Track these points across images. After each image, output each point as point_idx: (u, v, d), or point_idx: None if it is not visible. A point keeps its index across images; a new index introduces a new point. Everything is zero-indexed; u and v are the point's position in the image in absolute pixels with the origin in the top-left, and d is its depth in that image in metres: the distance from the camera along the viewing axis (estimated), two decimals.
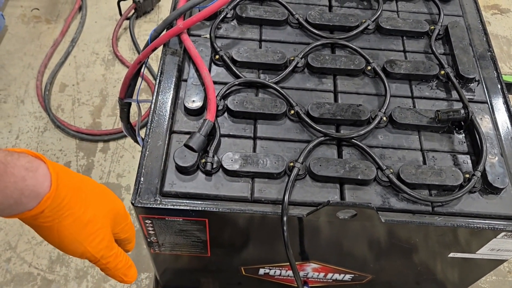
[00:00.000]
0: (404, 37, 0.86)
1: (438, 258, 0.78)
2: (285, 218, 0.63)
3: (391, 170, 0.68)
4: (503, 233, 0.68)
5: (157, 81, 0.76)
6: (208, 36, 0.82)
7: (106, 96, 1.83)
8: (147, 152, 0.68)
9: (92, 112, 1.78)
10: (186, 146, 0.66)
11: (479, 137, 0.71)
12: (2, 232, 1.48)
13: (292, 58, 0.79)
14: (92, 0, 2.15)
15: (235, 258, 0.82)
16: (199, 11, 0.79)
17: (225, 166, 0.66)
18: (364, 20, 0.86)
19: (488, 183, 0.68)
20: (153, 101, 0.74)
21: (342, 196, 0.67)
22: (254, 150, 0.70)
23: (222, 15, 0.84)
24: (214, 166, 0.67)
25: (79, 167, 1.64)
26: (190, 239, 0.73)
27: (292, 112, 0.73)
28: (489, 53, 0.86)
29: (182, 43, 0.79)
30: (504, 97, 0.80)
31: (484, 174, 0.69)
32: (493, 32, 2.19)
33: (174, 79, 0.76)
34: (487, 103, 0.79)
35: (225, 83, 0.75)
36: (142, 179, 0.66)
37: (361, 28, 0.84)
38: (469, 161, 0.72)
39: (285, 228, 0.63)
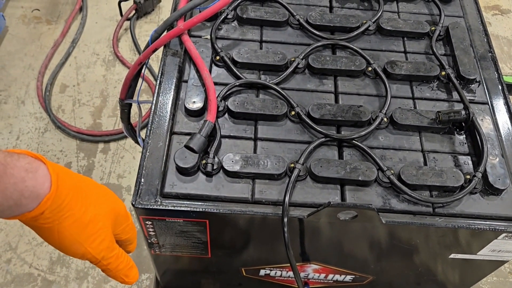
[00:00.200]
0: (405, 38, 0.86)
1: (439, 259, 0.78)
2: (285, 219, 0.63)
3: (392, 171, 0.68)
4: (504, 234, 0.68)
5: (158, 82, 0.76)
6: (208, 37, 0.82)
7: (107, 96, 1.83)
8: (148, 153, 0.68)
9: (92, 112, 1.78)
10: (187, 147, 0.66)
11: (480, 138, 0.71)
12: (3, 233, 1.48)
13: (292, 59, 0.79)
14: (92, 0, 2.15)
15: (236, 259, 0.82)
16: (200, 12, 0.79)
17: (226, 167, 0.66)
18: (364, 21, 0.86)
19: (489, 184, 0.68)
20: (154, 102, 0.74)
21: (342, 197, 0.67)
22: (255, 151, 0.70)
23: (223, 16, 0.84)
24: (215, 167, 0.67)
25: (80, 167, 1.64)
26: (190, 240, 0.73)
27: (293, 113, 0.73)
28: (490, 54, 0.86)
29: (182, 44, 0.79)
30: (505, 98, 0.80)
31: (485, 175, 0.69)
32: (494, 33, 2.19)
33: (174, 80, 0.76)
34: (488, 104, 0.79)
35: (225, 84, 0.75)
36: (142, 180, 0.66)
37: (361, 29, 0.84)
38: (470, 162, 0.72)
39: (285, 229, 0.63)
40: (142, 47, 1.96)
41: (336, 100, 0.77)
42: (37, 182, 0.53)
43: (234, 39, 0.83)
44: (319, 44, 0.82)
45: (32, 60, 1.92)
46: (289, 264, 0.66)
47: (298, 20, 0.85)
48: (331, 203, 0.62)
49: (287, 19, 0.85)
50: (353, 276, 0.85)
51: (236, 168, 0.66)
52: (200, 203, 0.65)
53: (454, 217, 0.67)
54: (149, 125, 0.71)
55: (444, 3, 0.93)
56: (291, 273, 0.85)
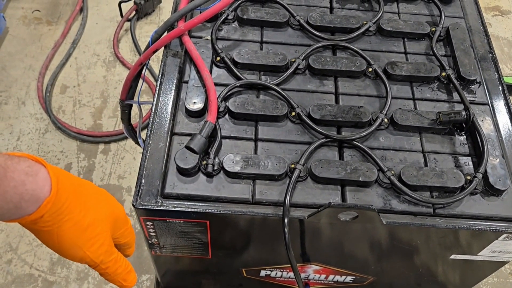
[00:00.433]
0: (405, 39, 0.86)
1: (440, 260, 0.78)
2: (286, 220, 0.63)
3: (393, 172, 0.68)
4: (504, 235, 0.68)
5: (158, 82, 0.76)
6: (209, 37, 0.82)
7: (107, 97, 1.83)
8: (148, 154, 0.68)
9: (93, 113, 1.78)
10: (187, 147, 0.66)
11: (480, 138, 0.71)
12: (3, 233, 1.48)
13: (293, 59, 0.80)
14: (93, 1, 2.15)
15: (236, 260, 0.82)
16: (200, 12, 0.79)
17: (226, 168, 0.66)
18: (365, 22, 0.86)
19: (490, 185, 0.68)
20: (154, 102, 0.74)
21: (343, 198, 0.67)
22: (255, 152, 0.70)
23: (223, 17, 0.84)
24: (215, 168, 0.67)
25: (80, 168, 1.64)
26: (191, 241, 0.73)
27: (293, 113, 0.73)
28: (490, 54, 0.86)
29: (183, 44, 0.79)
30: (505, 99, 0.80)
31: (485, 176, 0.69)
32: (494, 34, 2.19)
33: (175, 81, 0.76)
34: (488, 105, 0.79)
35: (226, 85, 0.75)
36: (143, 180, 0.66)
37: (362, 30, 0.84)
38: (471, 163, 0.72)
39: (286, 230, 0.63)
40: (142, 48, 1.96)
41: (337, 101, 0.77)
42: (37, 186, 0.53)
43: (235, 40, 0.83)
44: (319, 45, 0.82)
45: (32, 61, 1.92)
46: (289, 265, 0.66)
47: (298, 21, 0.85)
48: (332, 203, 0.62)
49: (288, 20, 0.85)
50: (354, 277, 0.85)
51: (237, 168, 0.66)
52: (200, 204, 0.65)
53: (454, 218, 0.67)
54: (150, 126, 0.71)
55: (445, 4, 0.93)
56: (291, 274, 0.85)
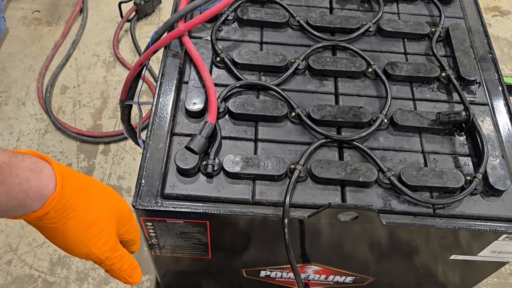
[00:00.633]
0: (405, 39, 0.86)
1: (440, 260, 0.78)
2: (286, 221, 0.63)
3: (392, 172, 0.68)
4: (504, 235, 0.68)
5: (158, 83, 0.76)
6: (209, 38, 0.82)
7: (107, 98, 1.83)
8: (148, 154, 0.68)
9: (93, 114, 1.78)
10: (187, 148, 0.66)
11: (480, 139, 0.71)
12: (3, 234, 1.48)
13: (293, 60, 0.80)
14: (93, 2, 2.15)
15: (236, 260, 0.82)
16: (200, 13, 0.79)
17: (226, 168, 0.66)
18: (365, 22, 0.86)
19: (490, 185, 0.68)
20: (154, 103, 0.74)
21: (343, 198, 0.67)
22: (255, 152, 0.70)
23: (223, 17, 0.84)
24: (215, 168, 0.67)
25: (80, 169, 1.64)
26: (191, 241, 0.73)
27: (293, 114, 0.73)
28: (490, 55, 0.86)
29: (183, 45, 0.79)
30: (505, 99, 0.80)
31: (485, 176, 0.69)
32: (494, 34, 2.19)
33: (175, 81, 0.76)
34: (488, 105, 0.79)
35: (226, 85, 0.75)
36: (143, 181, 0.66)
37: (362, 30, 0.84)
38: (470, 163, 0.72)
39: (286, 230, 0.63)
40: (142, 48, 1.97)
41: (337, 101, 0.77)
42: (42, 183, 0.53)
43: (235, 40, 0.83)
44: (319, 45, 0.82)
45: (32, 61, 1.92)
46: (289, 265, 0.66)
47: (298, 21, 0.85)
48: (332, 204, 0.62)
49: (288, 20, 0.85)
50: (354, 277, 0.85)
51: (237, 169, 0.66)
52: (200, 204, 0.65)
53: (454, 218, 0.67)
54: (150, 126, 0.71)
55: (444, 4, 0.93)
56: (291, 274, 0.85)
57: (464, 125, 0.74)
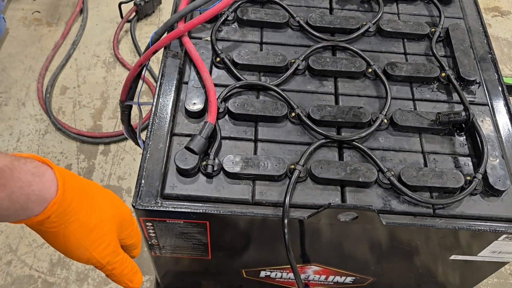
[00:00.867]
0: (405, 40, 0.86)
1: (440, 261, 0.78)
2: (286, 221, 0.63)
3: (392, 173, 0.68)
4: (504, 236, 0.68)
5: (158, 83, 0.76)
6: (209, 38, 0.82)
7: (107, 98, 1.83)
8: (148, 155, 0.68)
9: (93, 114, 1.78)
10: (187, 148, 0.66)
11: (480, 139, 0.71)
12: (3, 235, 1.48)
13: (293, 60, 0.80)
14: (93, 2, 2.15)
15: (236, 261, 0.82)
16: (200, 13, 0.79)
17: (226, 169, 0.66)
18: (365, 23, 0.86)
19: (489, 185, 0.68)
20: (154, 103, 0.74)
21: (343, 199, 0.67)
22: (255, 153, 0.70)
23: (223, 18, 0.84)
24: (215, 169, 0.67)
25: (80, 169, 1.64)
26: (191, 242, 0.73)
27: (293, 114, 0.73)
28: (490, 55, 0.86)
29: (183, 45, 0.79)
30: (505, 99, 0.80)
31: (485, 176, 0.69)
32: (494, 34, 2.19)
33: (175, 82, 0.76)
34: (488, 105, 0.79)
35: (226, 86, 0.75)
36: (143, 181, 0.66)
37: (362, 31, 0.84)
38: (470, 163, 0.72)
39: (286, 230, 0.63)
40: (142, 49, 1.97)
41: (336, 102, 0.77)
42: (44, 186, 0.53)
43: (235, 41, 0.83)
44: (319, 45, 0.82)
45: (32, 62, 1.92)
46: (289, 266, 0.66)
47: (298, 22, 0.85)
48: (332, 204, 0.62)
49: (287, 20, 0.85)
50: (354, 278, 0.85)
51: (237, 169, 0.66)
52: (200, 205, 0.65)
53: (454, 219, 0.67)
54: (150, 127, 0.71)
55: (444, 4, 0.93)
56: (291, 275, 0.85)
57: (464, 125, 0.74)
